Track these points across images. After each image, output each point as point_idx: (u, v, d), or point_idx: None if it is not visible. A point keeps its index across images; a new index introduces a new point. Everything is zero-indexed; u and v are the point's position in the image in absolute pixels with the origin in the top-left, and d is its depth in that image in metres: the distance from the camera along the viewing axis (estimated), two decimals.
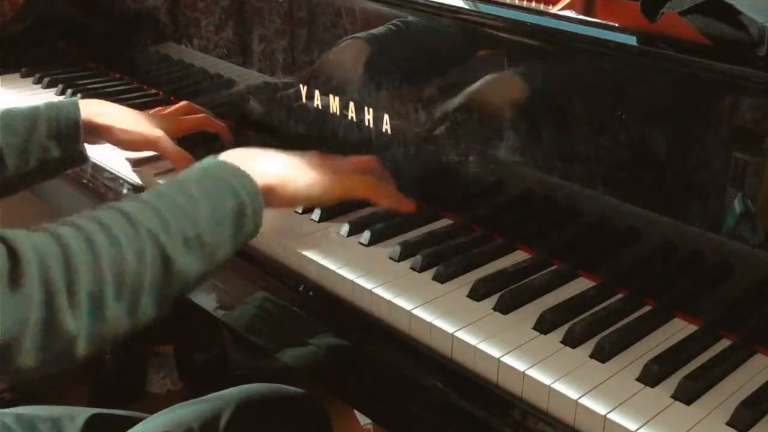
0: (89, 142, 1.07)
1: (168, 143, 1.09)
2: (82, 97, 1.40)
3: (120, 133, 1.08)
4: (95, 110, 1.07)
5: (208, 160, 0.85)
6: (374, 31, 1.03)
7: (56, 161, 1.02)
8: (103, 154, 1.17)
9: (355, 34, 1.06)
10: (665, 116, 0.80)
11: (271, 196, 0.85)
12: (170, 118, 1.16)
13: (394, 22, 1.01)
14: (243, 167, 0.83)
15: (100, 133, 1.07)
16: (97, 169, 1.18)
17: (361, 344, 0.85)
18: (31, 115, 1.01)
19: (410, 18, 0.99)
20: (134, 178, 1.14)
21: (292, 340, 0.93)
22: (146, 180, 1.13)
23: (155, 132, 1.09)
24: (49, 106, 1.03)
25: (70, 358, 0.69)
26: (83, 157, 1.05)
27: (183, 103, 1.22)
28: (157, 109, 1.22)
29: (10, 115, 1.01)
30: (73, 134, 1.03)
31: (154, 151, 1.12)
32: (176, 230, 0.75)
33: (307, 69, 1.13)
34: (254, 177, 0.83)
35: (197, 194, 0.78)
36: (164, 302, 0.74)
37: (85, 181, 1.18)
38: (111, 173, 1.17)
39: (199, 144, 1.15)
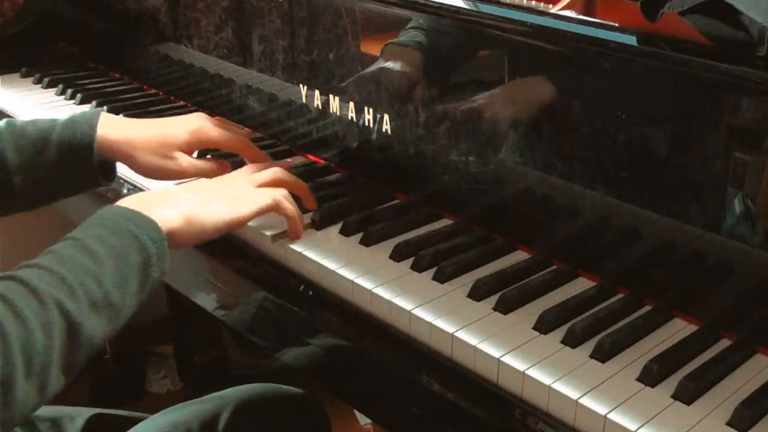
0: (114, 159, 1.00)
1: (191, 170, 1.02)
2: (82, 98, 1.40)
3: (136, 167, 1.01)
4: (114, 136, 0.98)
5: (107, 210, 0.79)
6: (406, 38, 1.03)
7: (67, 184, 0.98)
8: None
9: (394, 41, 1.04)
10: (665, 116, 0.80)
11: (177, 239, 0.82)
12: (204, 140, 1.04)
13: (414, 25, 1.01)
14: (145, 213, 0.79)
15: (115, 157, 1.00)
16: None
17: (361, 344, 0.85)
18: (45, 134, 0.96)
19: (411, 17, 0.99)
20: (134, 178, 1.14)
21: (292, 340, 0.93)
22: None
23: (177, 169, 1.01)
24: (66, 125, 0.97)
25: None
26: (99, 182, 0.99)
27: (217, 118, 1.11)
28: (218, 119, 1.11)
29: (24, 131, 0.96)
30: (86, 159, 0.96)
31: (178, 178, 1.04)
32: (82, 295, 0.70)
33: (310, 70, 1.14)
34: (157, 221, 0.79)
35: (101, 252, 0.73)
36: (73, 371, 0.71)
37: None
38: (126, 181, 1.16)
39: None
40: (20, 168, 0.95)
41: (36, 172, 0.96)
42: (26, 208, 1.00)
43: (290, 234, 0.95)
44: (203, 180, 0.94)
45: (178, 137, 1.02)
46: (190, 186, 0.91)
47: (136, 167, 1.01)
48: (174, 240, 0.81)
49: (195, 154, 1.07)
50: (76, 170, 0.97)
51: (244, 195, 0.90)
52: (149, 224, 0.78)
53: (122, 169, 1.15)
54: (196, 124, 1.03)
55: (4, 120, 0.98)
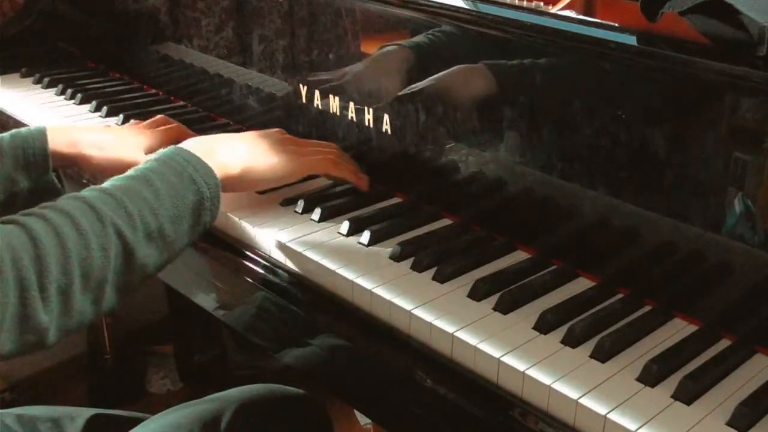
0: (66, 168, 1.04)
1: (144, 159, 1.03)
2: (82, 98, 1.41)
3: (97, 162, 1.03)
4: (65, 139, 1.02)
5: (171, 150, 0.86)
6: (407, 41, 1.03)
7: (25, 193, 0.98)
8: None
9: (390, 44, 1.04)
10: (665, 116, 0.80)
11: (233, 184, 0.90)
12: (149, 133, 1.09)
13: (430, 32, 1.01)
14: (205, 158, 0.85)
15: (75, 163, 1.04)
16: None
17: (361, 344, 0.85)
18: None
19: (411, 18, 0.99)
20: None
21: (292, 340, 0.93)
22: None
23: (137, 156, 1.03)
24: (14, 136, 0.99)
25: (41, 347, 0.71)
26: (55, 188, 1.00)
27: (158, 117, 1.16)
28: (133, 122, 1.17)
29: None
30: (41, 164, 0.98)
31: None
32: (140, 224, 0.77)
33: (310, 70, 1.14)
34: (215, 168, 0.86)
35: (161, 188, 0.80)
36: (126, 292, 0.77)
37: (85, 181, 1.18)
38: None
39: None
40: None
41: None
42: None
43: (360, 186, 1.04)
44: (263, 132, 1.00)
45: (136, 134, 1.08)
46: (248, 136, 0.97)
47: (91, 165, 1.04)
48: (231, 185, 0.90)
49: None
50: (33, 176, 0.98)
51: (299, 152, 0.98)
52: (207, 171, 0.85)
53: None
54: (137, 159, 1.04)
55: None
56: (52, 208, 0.74)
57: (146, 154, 1.05)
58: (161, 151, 0.86)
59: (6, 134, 1.00)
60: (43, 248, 0.70)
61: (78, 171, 1.15)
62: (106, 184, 0.80)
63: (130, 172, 0.82)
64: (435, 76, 0.98)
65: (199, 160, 0.85)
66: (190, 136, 1.10)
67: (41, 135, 1.00)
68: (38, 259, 0.70)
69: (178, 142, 1.04)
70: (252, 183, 0.95)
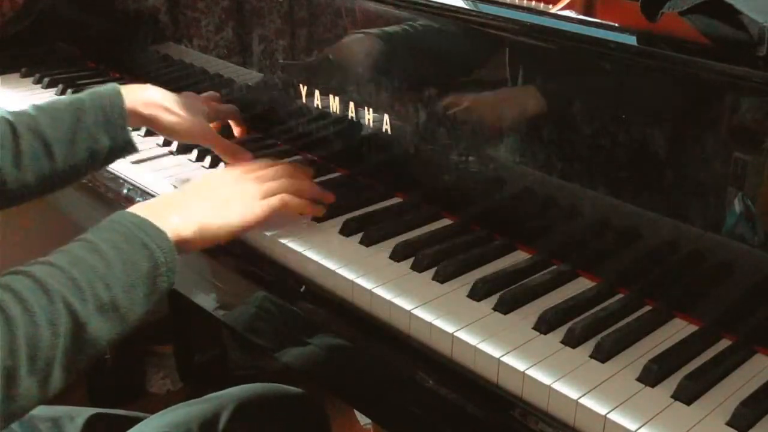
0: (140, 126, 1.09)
1: (216, 137, 1.10)
2: None
3: (169, 123, 1.06)
4: (140, 98, 1.04)
5: (119, 215, 0.80)
6: (377, 30, 1.03)
7: (105, 151, 1.00)
8: None
9: (358, 31, 1.06)
10: (665, 116, 0.80)
11: (189, 245, 0.84)
12: (209, 105, 1.15)
13: (402, 26, 1.01)
14: (157, 222, 0.80)
15: (149, 123, 1.06)
16: (112, 178, 1.18)
17: (361, 344, 0.85)
18: (76, 105, 0.99)
19: (410, 17, 0.99)
20: (133, 178, 1.14)
21: (292, 340, 0.93)
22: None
23: (204, 125, 1.09)
24: (93, 96, 1.01)
25: None
26: (132, 146, 1.03)
27: (210, 93, 1.22)
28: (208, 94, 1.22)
29: (54, 106, 0.99)
30: (120, 122, 1.00)
31: (200, 143, 1.13)
32: (90, 296, 0.72)
33: (308, 67, 1.13)
34: (169, 231, 0.80)
35: (111, 257, 0.75)
36: (75, 370, 0.72)
37: (84, 180, 1.18)
38: (111, 173, 1.17)
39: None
40: (61, 140, 0.97)
41: (77, 142, 0.98)
42: (64, 185, 1.01)
43: (312, 214, 0.99)
44: (213, 178, 0.96)
45: (197, 102, 1.12)
46: (200, 188, 0.92)
47: (164, 124, 1.06)
48: (185, 247, 0.83)
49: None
50: (112, 134, 1.00)
51: (254, 197, 0.92)
52: (159, 234, 0.79)
53: (122, 169, 1.16)
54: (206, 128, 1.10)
55: (27, 105, 0.99)
56: None
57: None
58: (111, 216, 0.81)
59: (83, 94, 1.02)
60: None
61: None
62: (52, 255, 0.74)
63: (76, 240, 0.77)
64: (438, 74, 0.98)
65: (150, 224, 0.79)
66: (240, 121, 1.19)
67: (118, 94, 1.02)
68: None
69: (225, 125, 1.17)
70: (209, 240, 0.87)
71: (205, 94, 1.21)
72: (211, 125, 1.14)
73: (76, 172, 1.00)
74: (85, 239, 0.77)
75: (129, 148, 1.03)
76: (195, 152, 1.18)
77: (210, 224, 0.86)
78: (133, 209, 0.82)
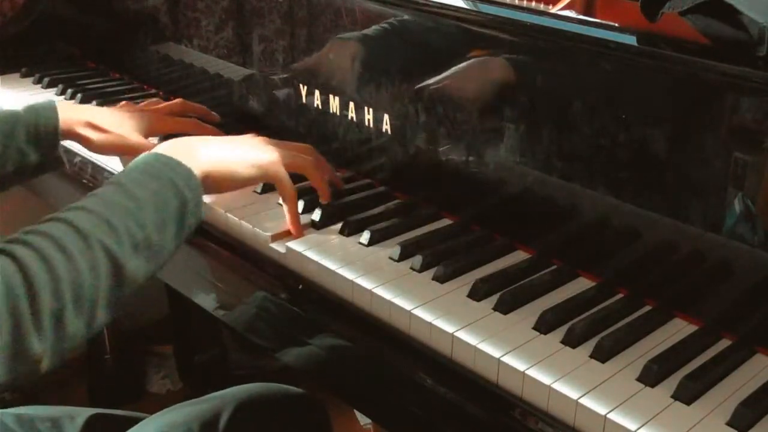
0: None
1: (135, 141, 1.10)
2: (82, 98, 1.40)
3: (98, 143, 1.09)
4: (75, 117, 1.07)
5: (148, 156, 0.84)
6: (370, 30, 1.03)
7: (33, 166, 1.03)
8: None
9: (351, 34, 1.06)
10: (665, 116, 0.80)
11: (212, 184, 0.88)
12: (153, 117, 1.15)
13: (390, 21, 1.01)
14: (183, 160, 0.84)
15: (78, 140, 1.09)
16: (97, 168, 1.19)
17: (361, 344, 0.85)
18: (10, 119, 1.02)
19: (408, 17, 0.99)
20: (115, 166, 1.14)
21: (292, 340, 0.93)
22: None
23: (140, 141, 1.10)
24: (29, 111, 1.04)
25: (35, 375, 0.70)
26: (60, 162, 1.06)
27: (177, 101, 1.22)
28: (148, 101, 1.22)
29: None
30: (51, 140, 1.04)
31: (126, 153, 1.12)
32: (125, 237, 0.75)
33: (306, 68, 1.13)
34: (195, 169, 0.84)
35: (143, 197, 0.78)
36: (117, 307, 0.75)
37: (85, 180, 1.18)
38: (111, 173, 1.17)
39: None
40: None
41: (5, 156, 1.01)
42: None
43: (322, 196, 1.01)
44: (237, 136, 0.99)
45: (132, 116, 1.13)
46: (226, 138, 0.97)
47: (95, 144, 1.09)
48: (211, 185, 0.88)
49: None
50: (42, 151, 1.03)
51: (276, 150, 0.96)
52: (187, 173, 0.83)
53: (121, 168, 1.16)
54: (139, 143, 1.11)
55: None
56: (35, 232, 0.72)
57: (146, 137, 1.12)
58: (139, 157, 0.85)
59: (21, 108, 1.04)
60: (32, 276, 0.68)
61: (79, 169, 1.17)
62: (86, 200, 0.78)
63: (108, 184, 0.81)
64: (438, 74, 0.98)
65: (178, 162, 0.83)
66: (203, 130, 1.17)
67: (53, 111, 1.05)
68: (29, 287, 0.68)
69: (186, 134, 1.09)
70: (233, 182, 0.92)
71: (165, 104, 1.20)
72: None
73: (1, 183, 1.03)
74: (118, 182, 0.80)
75: (56, 164, 1.06)
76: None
77: (234, 164, 0.91)
78: (159, 148, 0.86)
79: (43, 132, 1.03)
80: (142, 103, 1.21)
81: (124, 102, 1.20)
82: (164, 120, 1.16)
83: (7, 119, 1.02)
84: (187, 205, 0.81)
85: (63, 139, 1.06)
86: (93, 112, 1.11)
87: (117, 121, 1.11)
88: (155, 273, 0.80)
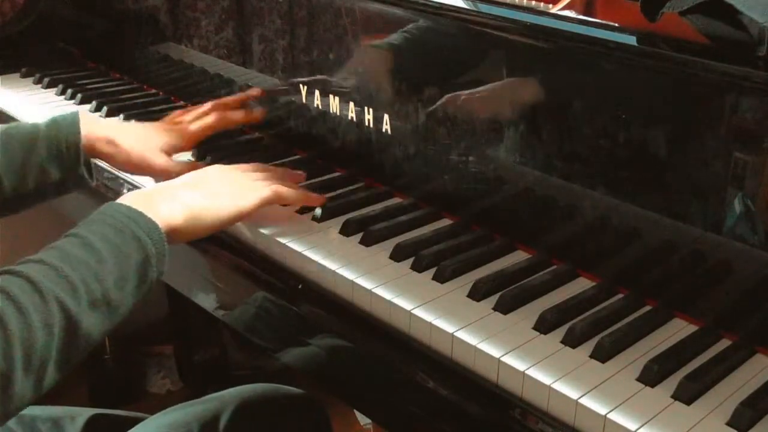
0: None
1: (156, 163, 1.06)
2: (83, 98, 1.41)
3: (120, 162, 1.05)
4: (98, 134, 1.03)
5: (110, 207, 0.79)
6: (390, 38, 1.03)
7: (55, 184, 0.99)
8: None
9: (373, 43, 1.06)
10: (665, 116, 0.80)
11: (180, 235, 0.83)
12: (181, 133, 1.12)
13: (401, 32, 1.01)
14: (147, 212, 0.79)
15: (101, 157, 1.05)
16: (98, 169, 1.18)
17: (361, 344, 0.85)
18: (31, 135, 0.98)
19: (407, 17, 0.99)
20: (134, 178, 1.14)
21: (292, 340, 0.93)
22: None
23: (163, 164, 1.06)
24: (50, 125, 1.00)
25: None
26: (84, 181, 1.02)
27: (207, 105, 1.18)
28: (177, 113, 1.18)
29: (8, 133, 0.98)
30: (73, 157, 1.00)
31: (149, 174, 1.09)
32: (83, 293, 0.71)
33: (312, 71, 1.14)
34: (159, 221, 0.79)
35: (103, 250, 0.74)
36: (68, 367, 0.71)
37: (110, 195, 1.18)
38: (111, 173, 1.17)
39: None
40: (9, 169, 0.97)
41: (26, 173, 0.97)
42: (12, 212, 1.00)
43: (313, 203, 0.99)
44: (202, 172, 0.93)
45: (158, 134, 1.09)
46: (190, 180, 0.90)
47: (118, 163, 1.06)
48: (176, 237, 0.83)
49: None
50: (64, 168, 1.00)
51: (245, 187, 0.92)
52: (150, 224, 0.78)
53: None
54: (162, 167, 1.07)
55: None
56: None
57: (168, 153, 1.08)
58: (102, 206, 0.80)
59: (43, 122, 1.00)
60: None
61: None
62: (44, 252, 0.74)
63: (66, 236, 0.76)
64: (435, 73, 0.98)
65: (140, 214, 0.79)
66: (227, 122, 1.15)
67: (75, 126, 1.00)
68: None
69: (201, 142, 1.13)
70: (201, 230, 0.86)
71: (195, 111, 1.17)
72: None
73: (23, 201, 1.00)
74: (76, 234, 0.76)
75: (80, 183, 1.02)
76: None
77: (201, 213, 0.86)
78: (122, 200, 0.81)
79: (64, 148, 0.99)
80: (172, 115, 1.17)
81: (167, 117, 1.16)
82: (188, 133, 1.12)
83: (28, 133, 0.98)
84: (150, 260, 0.77)
85: (86, 157, 1.01)
86: (117, 129, 1.07)
87: (142, 139, 1.07)
88: (111, 329, 0.75)
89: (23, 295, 0.68)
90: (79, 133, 1.00)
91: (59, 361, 0.69)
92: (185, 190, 0.87)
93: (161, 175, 1.06)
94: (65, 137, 0.99)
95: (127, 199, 0.82)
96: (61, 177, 1.00)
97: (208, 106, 1.17)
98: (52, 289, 0.69)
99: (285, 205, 0.99)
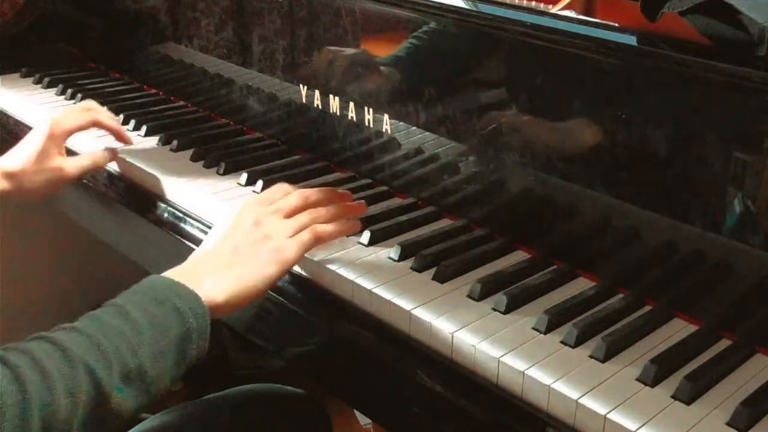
0: None
1: (76, 172, 1.09)
2: (82, 98, 1.41)
3: (30, 193, 1.07)
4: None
5: (151, 279, 0.77)
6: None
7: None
8: None
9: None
10: (665, 116, 0.80)
11: (222, 311, 0.79)
12: (57, 133, 1.10)
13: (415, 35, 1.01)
14: (190, 285, 0.76)
15: (11, 199, 1.06)
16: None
17: (361, 344, 0.85)
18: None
19: (408, 17, 0.99)
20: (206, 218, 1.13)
21: (292, 340, 0.93)
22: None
23: (69, 171, 1.09)
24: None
25: None
26: None
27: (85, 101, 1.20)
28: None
29: None
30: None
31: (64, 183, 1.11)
32: (116, 363, 0.67)
33: (309, 70, 1.14)
34: (203, 296, 0.76)
35: (141, 321, 0.71)
36: None
37: (85, 180, 1.18)
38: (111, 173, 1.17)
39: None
40: None
41: None
42: None
43: (351, 231, 0.94)
44: (234, 227, 0.86)
45: (39, 146, 1.07)
46: (224, 242, 0.84)
47: (28, 197, 1.07)
48: (219, 311, 0.78)
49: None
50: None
51: (282, 236, 0.85)
52: (193, 298, 0.75)
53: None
54: (47, 124, 1.08)
55: None
56: (15, 349, 0.65)
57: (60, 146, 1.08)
58: (144, 280, 0.77)
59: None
60: None
61: None
62: (79, 321, 0.70)
63: (105, 305, 0.73)
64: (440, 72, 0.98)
65: (182, 286, 0.75)
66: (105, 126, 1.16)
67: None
68: None
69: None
70: (246, 299, 0.81)
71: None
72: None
73: None
74: (115, 303, 0.73)
75: None
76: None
77: (245, 284, 0.81)
78: (166, 273, 0.78)
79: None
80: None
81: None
82: (68, 126, 1.11)
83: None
84: (191, 335, 0.73)
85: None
86: (5, 160, 1.06)
87: (35, 157, 1.06)
88: (143, 408, 0.71)
89: (49, 361, 0.64)
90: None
91: None
92: (225, 259, 0.82)
93: (66, 181, 1.09)
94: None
95: (169, 273, 0.79)
96: None
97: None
98: (81, 356, 0.66)
99: None
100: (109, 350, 0.67)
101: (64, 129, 1.10)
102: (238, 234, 0.85)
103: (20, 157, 1.07)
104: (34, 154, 1.06)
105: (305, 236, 0.87)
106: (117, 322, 0.70)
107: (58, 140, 1.09)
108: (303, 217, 0.89)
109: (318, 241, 0.88)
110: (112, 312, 0.72)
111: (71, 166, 1.10)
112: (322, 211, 0.91)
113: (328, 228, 0.90)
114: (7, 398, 0.61)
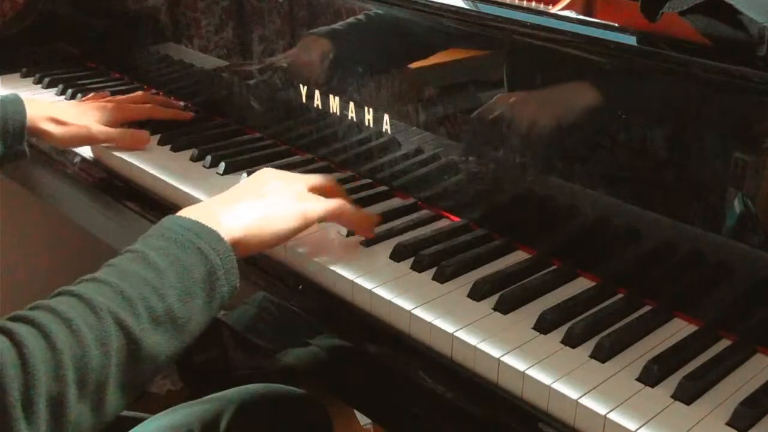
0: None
1: (97, 131, 1.16)
2: (82, 98, 1.40)
3: (62, 137, 1.14)
4: (41, 113, 1.12)
5: (168, 220, 0.76)
6: (343, 25, 1.03)
7: None
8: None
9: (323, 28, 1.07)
10: (665, 116, 0.80)
11: (243, 248, 0.79)
12: (115, 107, 1.21)
13: (366, 13, 1.01)
14: (208, 224, 0.75)
15: (40, 135, 1.14)
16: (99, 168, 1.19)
17: (361, 344, 0.85)
18: None
19: (401, 15, 0.99)
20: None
21: (292, 340, 0.93)
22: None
23: (102, 130, 1.16)
24: None
25: None
26: (24, 154, 1.10)
27: (138, 93, 1.33)
28: (110, 97, 1.29)
29: None
30: (18, 135, 1.08)
31: (91, 144, 1.19)
32: (143, 310, 0.67)
33: (309, 70, 1.14)
34: (223, 233, 0.76)
35: (163, 265, 0.70)
36: (134, 390, 0.67)
37: (85, 179, 1.18)
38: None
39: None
40: None
41: None
42: None
43: (365, 233, 0.94)
44: (261, 177, 0.88)
45: (93, 110, 1.19)
46: (250, 186, 0.86)
47: (59, 139, 1.15)
48: (241, 249, 0.78)
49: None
50: (6, 145, 1.08)
51: (308, 197, 0.87)
52: (214, 236, 0.75)
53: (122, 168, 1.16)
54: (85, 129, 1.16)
55: None
56: (39, 308, 0.65)
57: (106, 126, 1.17)
58: (159, 222, 0.76)
59: None
60: (28, 354, 0.60)
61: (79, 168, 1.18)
62: (99, 271, 0.70)
63: (124, 252, 0.73)
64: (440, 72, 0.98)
65: (201, 225, 0.75)
66: (162, 113, 1.26)
67: (21, 106, 1.09)
68: (23, 366, 0.60)
69: (143, 122, 1.21)
70: (267, 240, 0.81)
71: (125, 96, 1.30)
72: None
73: None
74: (134, 249, 0.72)
75: (20, 155, 1.10)
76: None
77: (265, 222, 0.81)
78: (182, 212, 0.78)
79: (10, 127, 1.07)
80: (105, 98, 1.29)
81: (91, 95, 1.28)
82: (125, 108, 1.22)
83: None
84: (217, 272, 0.73)
85: (28, 135, 1.10)
86: (55, 107, 1.16)
87: (79, 113, 1.16)
88: (182, 351, 0.72)
89: (75, 314, 0.64)
90: (24, 112, 1.08)
91: (122, 383, 0.65)
92: (247, 199, 0.83)
93: (104, 142, 1.16)
94: (12, 116, 1.07)
95: (185, 212, 0.78)
96: (4, 151, 1.07)
97: (141, 95, 1.31)
98: (107, 306, 0.66)
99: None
100: (133, 296, 0.68)
101: (124, 117, 1.21)
102: (263, 182, 0.86)
103: (71, 109, 1.18)
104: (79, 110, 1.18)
105: (332, 202, 0.88)
106: (138, 268, 0.70)
107: (112, 121, 1.19)
108: (329, 187, 0.92)
109: (341, 215, 0.89)
110: (132, 258, 0.71)
111: (97, 129, 1.17)
112: (346, 199, 0.93)
113: (352, 208, 0.91)
114: (39, 355, 0.61)
